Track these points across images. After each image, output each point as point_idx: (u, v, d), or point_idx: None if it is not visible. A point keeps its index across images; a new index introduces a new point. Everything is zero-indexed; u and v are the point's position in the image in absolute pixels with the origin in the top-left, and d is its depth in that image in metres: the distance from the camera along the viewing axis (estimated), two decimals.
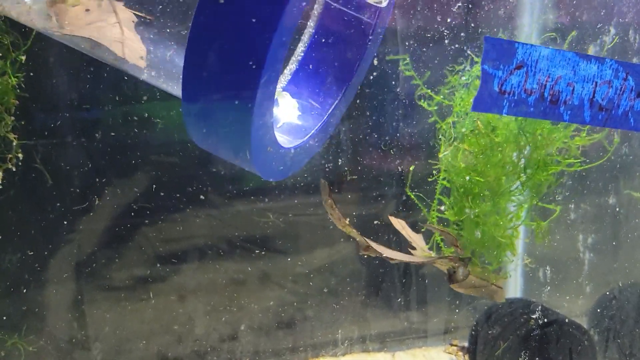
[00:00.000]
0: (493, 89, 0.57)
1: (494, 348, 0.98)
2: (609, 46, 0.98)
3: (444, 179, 0.91)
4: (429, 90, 0.92)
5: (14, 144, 0.81)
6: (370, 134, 1.02)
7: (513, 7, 0.99)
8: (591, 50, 0.98)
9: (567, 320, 0.96)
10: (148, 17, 0.54)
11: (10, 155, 0.81)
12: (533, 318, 0.96)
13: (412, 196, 0.95)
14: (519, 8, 1.00)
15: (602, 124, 0.64)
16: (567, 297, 1.13)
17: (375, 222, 1.06)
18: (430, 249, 0.92)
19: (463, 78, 0.91)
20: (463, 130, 0.88)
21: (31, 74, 0.84)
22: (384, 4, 0.71)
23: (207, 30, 0.45)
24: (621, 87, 0.63)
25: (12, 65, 0.77)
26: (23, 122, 0.84)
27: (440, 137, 0.91)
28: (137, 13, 0.54)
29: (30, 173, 0.89)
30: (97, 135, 0.92)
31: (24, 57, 0.78)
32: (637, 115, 0.65)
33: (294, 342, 1.09)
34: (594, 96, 0.62)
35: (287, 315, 1.08)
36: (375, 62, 0.99)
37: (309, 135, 0.68)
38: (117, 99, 0.91)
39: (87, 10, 0.54)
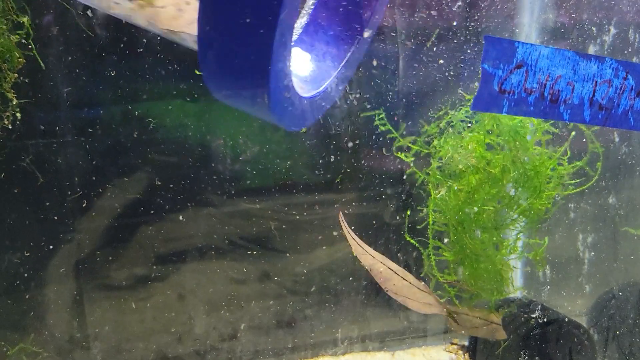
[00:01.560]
0: (493, 88, 0.57)
1: (493, 347, 0.98)
2: (609, 45, 0.98)
3: (434, 222, 0.93)
4: (406, 140, 0.93)
5: (14, 102, 0.81)
6: (371, 133, 1.02)
7: (513, 6, 0.99)
8: (591, 50, 0.98)
9: (567, 320, 0.96)
10: None
11: (7, 113, 0.81)
12: (533, 317, 0.96)
13: (411, 240, 0.97)
14: (519, 7, 1.00)
15: (602, 123, 0.64)
16: (567, 297, 1.13)
17: (374, 222, 1.06)
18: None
19: (445, 122, 0.93)
20: (459, 167, 0.89)
21: (32, 75, 0.84)
22: None
23: None
24: (621, 87, 0.63)
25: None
26: (23, 123, 0.84)
27: (426, 183, 0.93)
28: None
29: (30, 173, 0.89)
30: (96, 134, 0.92)
31: (25, 19, 0.78)
32: (637, 114, 0.65)
33: (293, 342, 1.09)
34: (594, 95, 0.62)
35: (287, 315, 1.07)
36: (375, 63, 0.99)
37: (325, 84, 0.66)
38: (117, 98, 0.91)
39: (180, 9, 0.53)
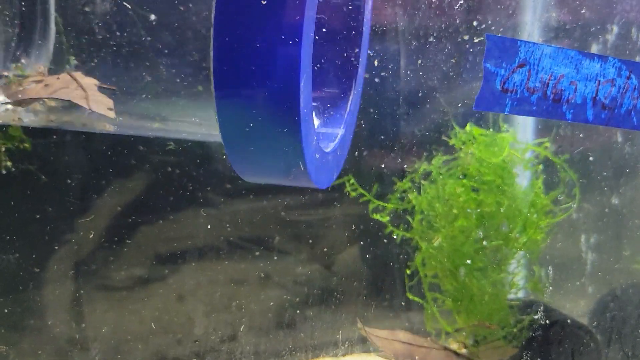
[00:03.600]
0: (495, 88, 0.56)
1: None
2: (612, 44, 0.98)
3: (434, 276, 0.94)
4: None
5: None
6: (371, 133, 1.02)
7: (515, 5, 0.99)
8: (594, 49, 0.98)
9: (569, 321, 0.96)
10: (111, 87, 0.57)
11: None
12: (535, 318, 0.96)
13: (415, 299, 0.98)
14: (521, 6, 0.99)
15: (604, 122, 0.63)
16: (569, 297, 1.12)
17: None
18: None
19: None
20: (453, 211, 0.90)
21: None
22: None
23: (231, 52, 0.44)
24: (624, 86, 0.62)
25: None
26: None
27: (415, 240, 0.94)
28: (102, 85, 0.57)
29: (29, 173, 0.89)
30: (97, 135, 0.92)
31: None
32: None
33: (294, 343, 1.08)
34: (596, 95, 0.61)
35: (287, 316, 1.07)
36: (376, 63, 0.99)
37: (339, 137, 0.68)
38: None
39: (47, 85, 0.57)
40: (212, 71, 0.45)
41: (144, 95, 0.62)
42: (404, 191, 0.95)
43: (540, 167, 0.93)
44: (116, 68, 0.63)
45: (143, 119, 0.66)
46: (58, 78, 0.56)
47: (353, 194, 0.96)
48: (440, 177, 0.92)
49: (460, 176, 0.91)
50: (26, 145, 0.82)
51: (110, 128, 0.64)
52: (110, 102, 0.58)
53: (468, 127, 0.92)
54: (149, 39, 0.63)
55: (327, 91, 0.72)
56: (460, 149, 0.92)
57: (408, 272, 1.03)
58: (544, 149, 0.92)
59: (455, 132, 0.93)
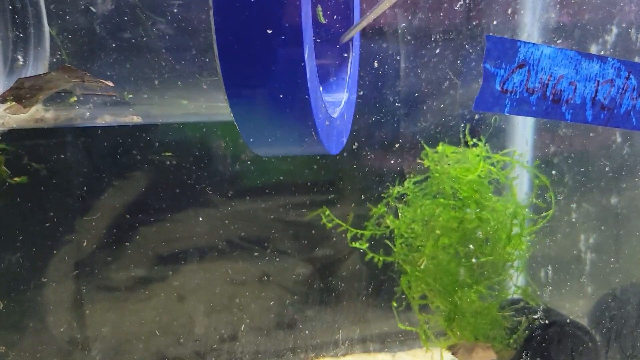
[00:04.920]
0: (495, 88, 0.56)
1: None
2: (611, 45, 0.98)
3: (422, 297, 0.95)
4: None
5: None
6: (371, 133, 1.02)
7: (515, 6, 0.99)
8: (593, 49, 0.98)
9: (568, 321, 0.96)
10: (107, 82, 0.58)
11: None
12: (535, 318, 0.96)
13: (408, 328, 0.99)
14: (521, 6, 0.99)
15: (604, 123, 0.63)
16: (569, 298, 1.13)
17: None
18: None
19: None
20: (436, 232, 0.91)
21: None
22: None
23: (232, 35, 0.45)
24: (623, 86, 0.62)
25: None
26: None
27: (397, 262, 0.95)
28: (98, 79, 0.58)
29: (30, 173, 0.89)
30: (97, 135, 0.92)
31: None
32: (639, 114, 0.64)
33: (294, 343, 1.08)
34: (596, 95, 0.61)
35: (288, 316, 1.07)
36: (376, 65, 0.99)
37: (344, 101, 0.69)
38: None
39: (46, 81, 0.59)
40: (215, 47, 0.45)
41: (156, 82, 0.62)
42: (381, 216, 0.96)
43: (517, 177, 0.93)
44: (119, 65, 0.64)
45: (160, 106, 0.66)
46: (52, 73, 0.57)
47: (329, 225, 0.97)
48: (416, 198, 0.93)
49: (436, 195, 0.91)
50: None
51: (137, 119, 0.64)
52: (108, 82, 0.58)
53: (440, 147, 0.93)
54: (155, 31, 0.63)
55: (326, 57, 0.73)
56: (434, 168, 0.93)
57: (394, 304, 1.04)
58: (513, 158, 0.93)
59: (426, 152, 0.94)
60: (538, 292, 1.09)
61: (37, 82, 0.56)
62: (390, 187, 0.96)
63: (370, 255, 0.96)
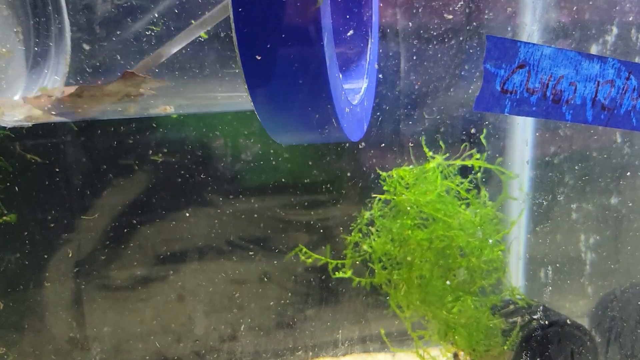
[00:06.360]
0: (495, 88, 0.56)
1: None
2: (611, 45, 0.98)
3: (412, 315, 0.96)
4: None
5: None
6: (371, 133, 1.02)
7: (515, 6, 0.99)
8: (593, 49, 0.98)
9: (568, 321, 0.96)
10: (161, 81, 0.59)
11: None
12: (534, 319, 0.96)
13: (401, 351, 0.99)
14: (521, 7, 0.99)
15: (604, 123, 0.63)
16: (569, 298, 1.12)
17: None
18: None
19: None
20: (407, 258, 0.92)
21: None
22: None
23: (255, 27, 0.45)
24: (623, 87, 0.62)
25: None
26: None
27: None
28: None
29: (30, 173, 0.89)
30: (97, 135, 0.92)
31: None
32: (639, 114, 0.64)
33: (294, 343, 1.08)
34: (596, 95, 0.61)
35: (287, 316, 1.07)
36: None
37: (364, 89, 0.69)
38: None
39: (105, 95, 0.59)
40: (235, 36, 0.46)
41: (176, 73, 0.63)
42: (356, 244, 0.97)
43: (475, 191, 0.94)
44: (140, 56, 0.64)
45: (184, 97, 0.67)
46: (113, 83, 0.56)
47: (309, 261, 0.98)
48: (384, 224, 0.94)
49: (404, 217, 0.92)
50: None
51: (170, 109, 0.65)
52: (163, 80, 0.59)
53: (394, 172, 0.93)
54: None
55: (345, 44, 0.74)
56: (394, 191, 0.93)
57: (382, 331, 1.05)
58: (475, 160, 0.93)
59: (383, 177, 0.95)
60: (537, 294, 1.09)
61: (97, 93, 0.56)
62: (361, 212, 0.97)
63: (357, 280, 0.97)
